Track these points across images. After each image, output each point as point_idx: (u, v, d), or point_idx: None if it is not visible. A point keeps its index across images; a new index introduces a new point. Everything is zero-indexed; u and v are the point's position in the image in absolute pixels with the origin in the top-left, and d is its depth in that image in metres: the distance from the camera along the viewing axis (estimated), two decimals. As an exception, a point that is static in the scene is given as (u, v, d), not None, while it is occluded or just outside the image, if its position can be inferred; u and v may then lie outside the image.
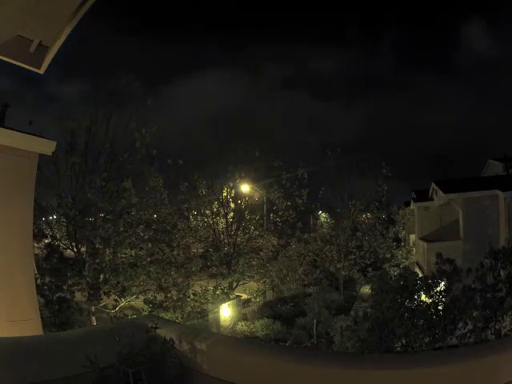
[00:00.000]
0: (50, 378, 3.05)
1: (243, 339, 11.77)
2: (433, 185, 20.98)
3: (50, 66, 4.95)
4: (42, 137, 7.15)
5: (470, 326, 8.07)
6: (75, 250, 12.77)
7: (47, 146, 6.86)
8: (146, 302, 12.43)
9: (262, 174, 20.29)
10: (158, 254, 12.70)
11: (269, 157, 20.07)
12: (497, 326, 7.87)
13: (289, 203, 20.95)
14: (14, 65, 4.78)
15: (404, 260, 25.10)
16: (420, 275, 9.83)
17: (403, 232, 28.26)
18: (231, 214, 19.99)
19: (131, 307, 12.98)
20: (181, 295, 12.75)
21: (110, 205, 12.76)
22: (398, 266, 23.63)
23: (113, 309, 11.92)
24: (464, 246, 16.38)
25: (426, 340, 8.21)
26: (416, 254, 25.00)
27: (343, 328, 11.44)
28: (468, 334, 7.98)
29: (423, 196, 23.00)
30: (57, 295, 11.48)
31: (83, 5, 3.99)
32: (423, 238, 20.59)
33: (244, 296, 19.66)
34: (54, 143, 7.10)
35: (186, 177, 18.97)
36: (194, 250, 18.28)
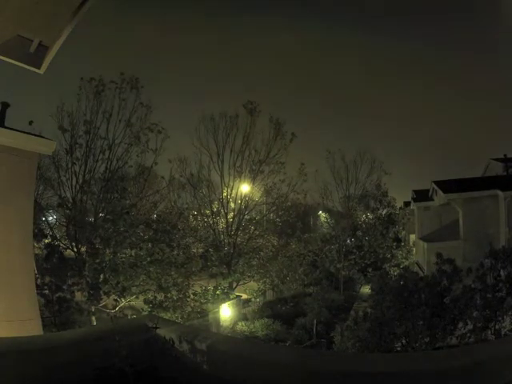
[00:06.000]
0: (49, 378, 3.05)
1: (243, 339, 11.77)
2: (433, 185, 20.98)
3: (49, 65, 4.95)
4: (42, 137, 7.17)
5: (470, 326, 8.08)
6: (75, 250, 12.77)
7: (47, 146, 6.86)
8: (145, 302, 12.42)
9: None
10: (158, 254, 12.69)
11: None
12: (497, 326, 7.88)
13: (289, 203, 20.97)
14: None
15: (404, 260, 25.12)
16: (420, 275, 9.85)
17: (403, 232, 28.27)
18: (231, 213, 19.99)
19: (131, 307, 12.97)
20: (181, 295, 12.73)
21: (109, 205, 12.77)
22: (398, 266, 23.64)
23: (113, 309, 11.92)
24: (464, 246, 16.37)
25: (426, 340, 8.22)
26: (416, 254, 25.00)
27: (343, 328, 11.45)
28: (468, 334, 7.99)
29: (423, 196, 22.99)
30: (57, 295, 11.48)
31: (83, 5, 3.99)
32: (423, 238, 20.58)
33: (244, 296, 19.66)
34: (54, 143, 7.12)
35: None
36: (194, 250, 18.27)
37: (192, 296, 13.60)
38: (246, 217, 20.31)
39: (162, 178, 17.77)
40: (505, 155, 21.85)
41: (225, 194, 20.21)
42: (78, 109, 13.50)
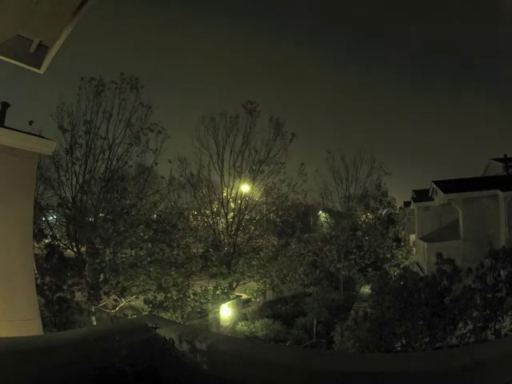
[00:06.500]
0: (49, 378, 3.05)
1: (243, 339, 11.76)
2: (433, 185, 20.96)
3: (49, 65, 4.94)
4: (42, 137, 7.17)
5: (470, 326, 8.08)
6: (75, 250, 12.77)
7: (47, 146, 6.86)
8: (145, 302, 12.42)
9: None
10: (158, 254, 12.70)
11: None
12: (497, 326, 7.88)
13: (289, 203, 20.98)
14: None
15: (404, 260, 25.11)
16: (420, 275, 9.84)
17: (403, 232, 28.26)
18: (231, 213, 19.99)
19: (131, 307, 12.97)
20: (181, 295, 12.74)
21: (109, 205, 12.77)
22: (398, 266, 23.64)
23: (113, 309, 11.92)
24: (464, 246, 16.35)
25: (426, 340, 8.22)
26: (416, 253, 24.99)
27: (343, 328, 11.45)
28: (468, 334, 7.99)
29: (423, 196, 22.97)
30: (57, 295, 11.48)
31: (83, 5, 3.99)
32: (423, 238, 20.56)
33: (244, 296, 19.66)
34: (54, 143, 7.11)
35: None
36: (194, 250, 18.27)
37: (192, 296, 13.60)
38: (246, 217, 20.31)
39: (162, 177, 17.77)
40: (505, 155, 21.83)
41: (225, 194, 20.21)
42: (78, 109, 13.52)
